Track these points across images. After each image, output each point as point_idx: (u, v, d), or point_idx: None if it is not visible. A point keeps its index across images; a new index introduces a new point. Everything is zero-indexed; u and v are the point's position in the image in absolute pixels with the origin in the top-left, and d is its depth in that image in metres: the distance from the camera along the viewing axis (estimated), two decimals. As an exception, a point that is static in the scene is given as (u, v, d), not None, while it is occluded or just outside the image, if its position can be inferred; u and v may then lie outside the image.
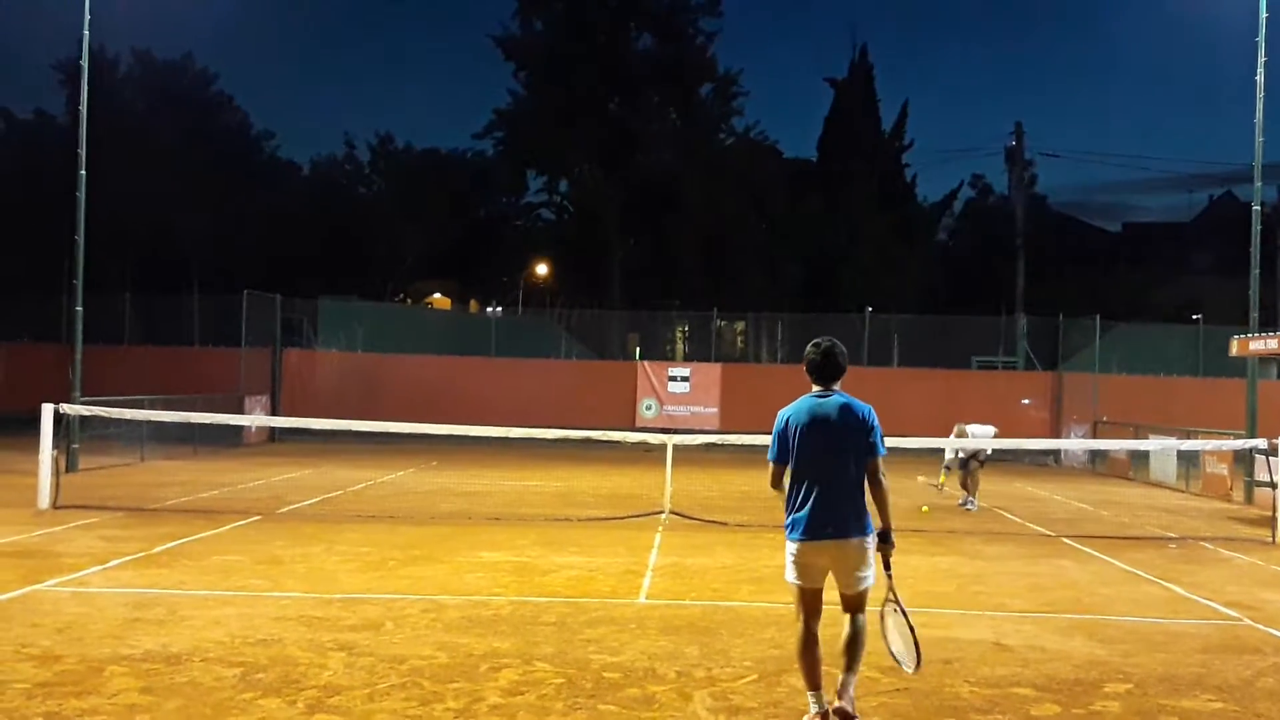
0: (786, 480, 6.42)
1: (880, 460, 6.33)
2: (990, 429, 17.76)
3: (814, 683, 6.27)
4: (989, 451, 17.81)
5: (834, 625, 6.53)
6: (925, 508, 17.32)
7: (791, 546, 6.33)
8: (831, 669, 6.44)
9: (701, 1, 48.86)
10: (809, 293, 44.56)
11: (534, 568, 11.35)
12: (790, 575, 6.37)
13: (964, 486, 17.72)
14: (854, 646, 6.31)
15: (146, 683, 6.90)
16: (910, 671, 6.56)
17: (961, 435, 17.54)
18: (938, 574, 11.57)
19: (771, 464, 6.46)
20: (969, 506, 17.37)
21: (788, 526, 6.38)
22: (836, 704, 6.22)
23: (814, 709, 6.23)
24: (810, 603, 6.34)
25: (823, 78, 55.93)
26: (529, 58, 48.82)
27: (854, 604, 6.35)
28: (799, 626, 6.36)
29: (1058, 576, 11.68)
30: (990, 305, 40.71)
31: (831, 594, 6.44)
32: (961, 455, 17.58)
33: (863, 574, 6.27)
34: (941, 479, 17.89)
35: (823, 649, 6.36)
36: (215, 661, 7.40)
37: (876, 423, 6.35)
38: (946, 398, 29.24)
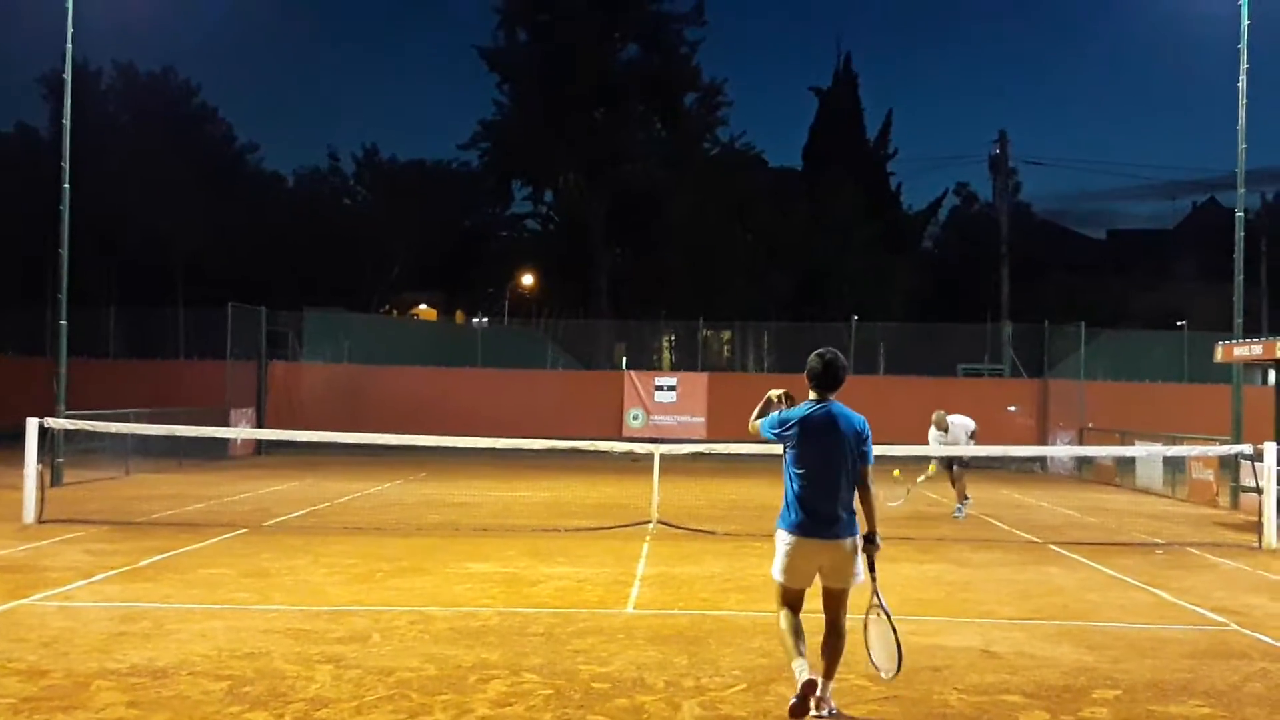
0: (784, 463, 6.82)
1: (869, 468, 6.73)
2: (970, 423, 17.71)
3: (799, 652, 6.59)
4: (967, 460, 17.78)
5: (814, 636, 6.73)
6: (896, 471, 17.20)
7: (786, 542, 6.68)
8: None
9: (686, 11, 49.01)
10: (795, 302, 44.61)
11: (522, 578, 11.32)
12: (779, 574, 6.73)
13: (951, 487, 17.75)
14: (833, 651, 6.65)
15: (133, 697, 6.87)
16: (888, 678, 6.83)
17: (940, 424, 17.54)
18: (926, 581, 11.58)
19: (759, 425, 6.97)
20: (958, 514, 17.39)
21: (783, 523, 6.72)
22: (815, 712, 6.48)
23: (799, 675, 6.51)
24: (793, 601, 6.77)
25: (808, 87, 56.17)
26: (513, 69, 48.85)
27: (837, 601, 6.70)
28: (781, 621, 6.74)
29: (1045, 583, 11.70)
30: (976, 313, 40.79)
31: (814, 603, 6.61)
32: (943, 457, 17.58)
33: (851, 571, 6.65)
34: (931, 469, 17.84)
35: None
36: (202, 675, 7.36)
37: (869, 433, 6.79)
38: (933, 405, 29.17)
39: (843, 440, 6.67)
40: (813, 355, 6.89)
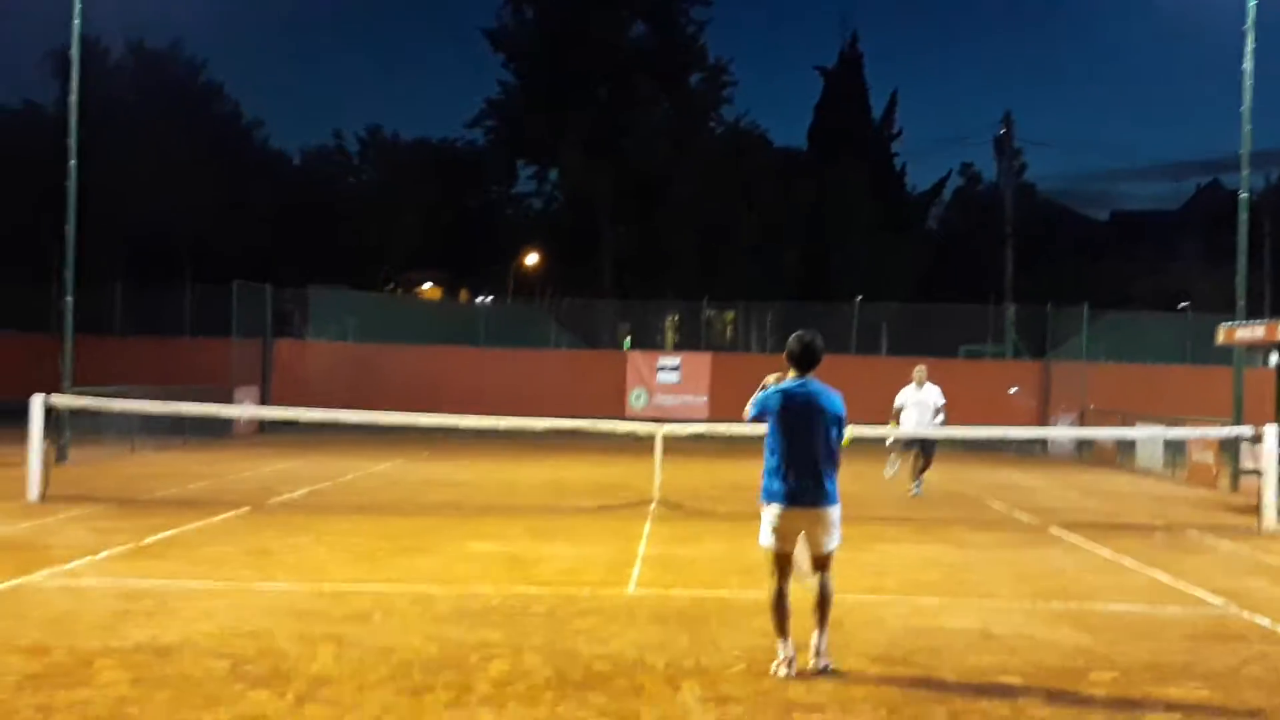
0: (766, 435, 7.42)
1: (843, 443, 7.36)
2: (941, 398, 17.46)
3: (784, 632, 7.18)
4: (933, 441, 17.62)
5: (801, 619, 6.72)
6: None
7: (773, 511, 7.25)
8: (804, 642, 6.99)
9: (692, -11, 48.85)
10: (799, 282, 44.59)
11: (524, 558, 11.37)
12: (766, 540, 7.31)
13: (916, 471, 17.66)
14: (823, 605, 7.29)
15: (136, 674, 6.91)
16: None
17: (920, 381, 17.37)
18: (924, 562, 11.63)
19: (750, 415, 7.51)
20: (916, 491, 17.24)
21: (768, 494, 7.28)
22: (813, 663, 7.09)
23: (782, 654, 7.13)
24: (782, 565, 7.29)
25: (813, 67, 55.84)
26: (519, 48, 48.75)
27: (821, 563, 7.32)
28: (772, 585, 7.27)
29: (1044, 565, 11.73)
30: (979, 294, 40.75)
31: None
32: (909, 440, 17.44)
33: (831, 537, 7.28)
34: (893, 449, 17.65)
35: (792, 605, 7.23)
36: (205, 653, 7.41)
37: (844, 410, 7.38)
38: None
39: (821, 415, 7.26)
40: (792, 337, 7.44)
